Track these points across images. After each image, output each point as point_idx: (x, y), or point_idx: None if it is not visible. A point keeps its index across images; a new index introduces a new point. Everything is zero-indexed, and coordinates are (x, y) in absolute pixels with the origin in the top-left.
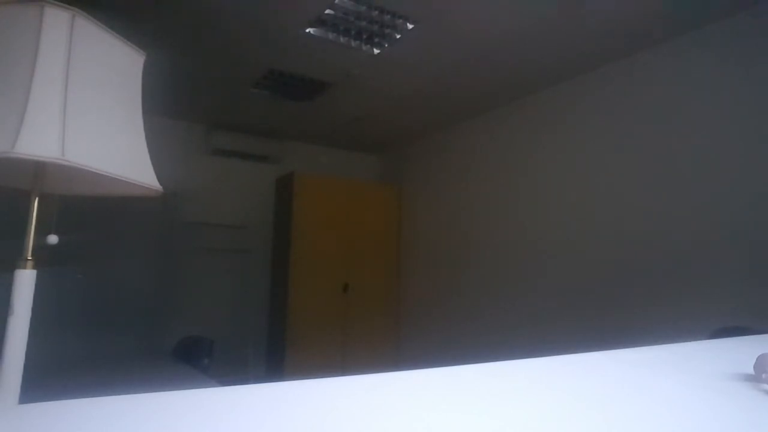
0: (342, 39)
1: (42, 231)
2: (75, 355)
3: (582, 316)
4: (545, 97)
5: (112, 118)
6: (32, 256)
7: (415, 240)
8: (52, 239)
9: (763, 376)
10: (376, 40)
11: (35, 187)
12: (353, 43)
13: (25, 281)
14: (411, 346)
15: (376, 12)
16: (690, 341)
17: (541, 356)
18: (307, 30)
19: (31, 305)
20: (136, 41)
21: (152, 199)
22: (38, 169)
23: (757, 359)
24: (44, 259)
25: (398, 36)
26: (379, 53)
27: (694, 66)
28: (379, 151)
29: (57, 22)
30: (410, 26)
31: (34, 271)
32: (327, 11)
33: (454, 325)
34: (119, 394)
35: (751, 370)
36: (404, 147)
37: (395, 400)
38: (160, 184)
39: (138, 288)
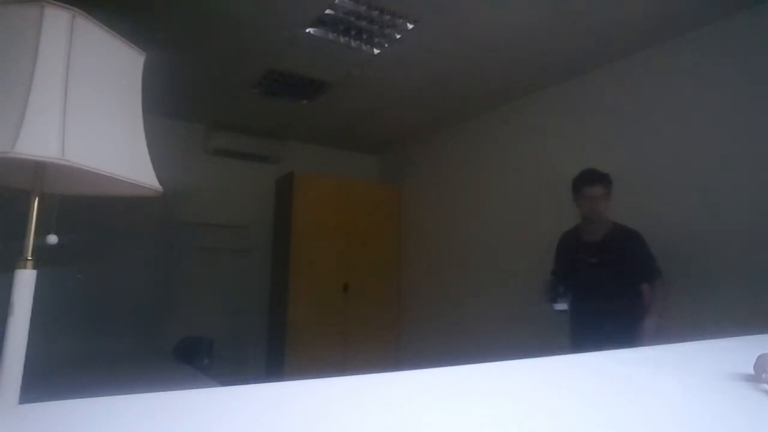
0: (342, 39)
1: (42, 231)
2: (75, 355)
3: None
4: (546, 97)
5: (112, 118)
6: (32, 256)
7: (415, 240)
8: (52, 239)
9: (763, 376)
10: (376, 40)
11: (35, 187)
12: (353, 43)
13: (25, 281)
14: (411, 346)
15: (376, 12)
16: (690, 341)
17: (542, 356)
18: (307, 30)
19: (31, 305)
20: (136, 41)
21: (152, 199)
22: (38, 169)
23: (757, 359)
24: (44, 259)
25: (398, 36)
26: (379, 53)
27: (694, 66)
28: (379, 151)
29: (57, 22)
30: (410, 26)
31: (34, 271)
32: (327, 11)
33: (454, 324)
34: (119, 394)
35: (751, 370)
36: (404, 147)
37: (395, 400)
38: (160, 184)
39: (138, 288)
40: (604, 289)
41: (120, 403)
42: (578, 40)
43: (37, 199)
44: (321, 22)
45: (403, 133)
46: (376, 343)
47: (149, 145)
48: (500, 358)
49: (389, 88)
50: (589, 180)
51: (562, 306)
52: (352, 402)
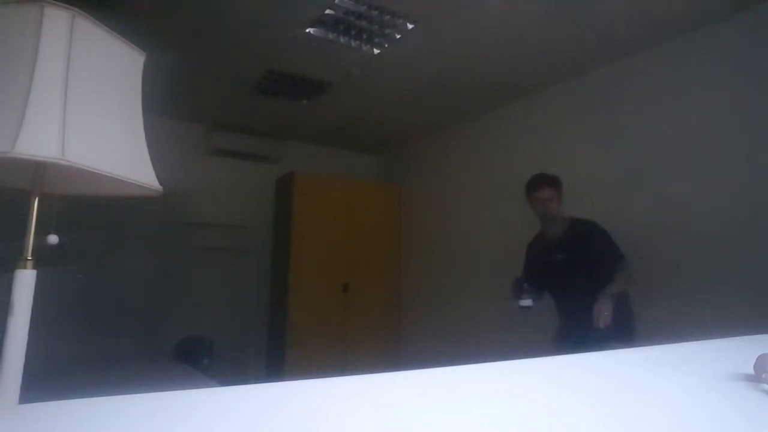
0: (342, 39)
1: (42, 231)
2: (75, 355)
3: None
4: (545, 97)
5: (112, 118)
6: (32, 256)
7: (415, 240)
8: (52, 239)
9: (763, 376)
10: (376, 40)
11: (35, 187)
12: (353, 43)
13: (25, 281)
14: (411, 345)
15: (376, 12)
16: (690, 341)
17: (541, 356)
18: (307, 30)
19: (31, 305)
20: (136, 41)
21: (152, 199)
22: (38, 169)
23: (757, 359)
24: (44, 259)
25: (398, 36)
26: (379, 53)
27: (694, 66)
28: (379, 151)
29: (57, 22)
30: (410, 26)
31: (34, 271)
32: (327, 11)
33: (454, 324)
34: (119, 394)
35: (751, 370)
36: (404, 147)
37: (395, 400)
38: (160, 184)
39: (138, 288)
40: (576, 282)
41: (120, 403)
42: (578, 39)
43: (37, 199)
44: (321, 22)
45: (403, 133)
46: (376, 343)
47: (149, 145)
48: (500, 358)
49: (389, 88)
50: (537, 184)
51: (527, 302)
52: (352, 402)
